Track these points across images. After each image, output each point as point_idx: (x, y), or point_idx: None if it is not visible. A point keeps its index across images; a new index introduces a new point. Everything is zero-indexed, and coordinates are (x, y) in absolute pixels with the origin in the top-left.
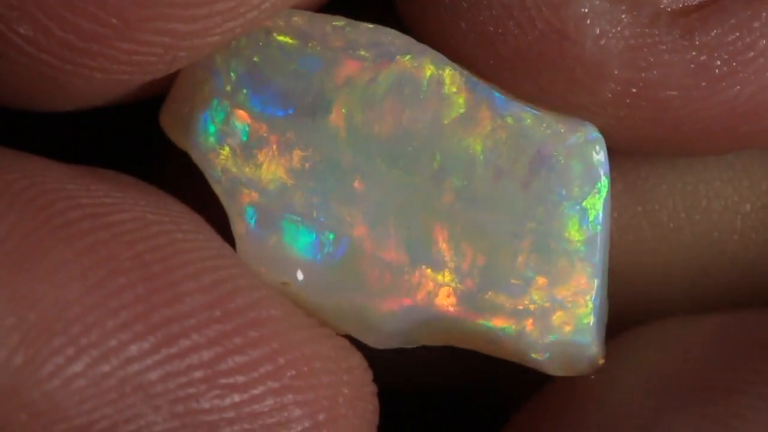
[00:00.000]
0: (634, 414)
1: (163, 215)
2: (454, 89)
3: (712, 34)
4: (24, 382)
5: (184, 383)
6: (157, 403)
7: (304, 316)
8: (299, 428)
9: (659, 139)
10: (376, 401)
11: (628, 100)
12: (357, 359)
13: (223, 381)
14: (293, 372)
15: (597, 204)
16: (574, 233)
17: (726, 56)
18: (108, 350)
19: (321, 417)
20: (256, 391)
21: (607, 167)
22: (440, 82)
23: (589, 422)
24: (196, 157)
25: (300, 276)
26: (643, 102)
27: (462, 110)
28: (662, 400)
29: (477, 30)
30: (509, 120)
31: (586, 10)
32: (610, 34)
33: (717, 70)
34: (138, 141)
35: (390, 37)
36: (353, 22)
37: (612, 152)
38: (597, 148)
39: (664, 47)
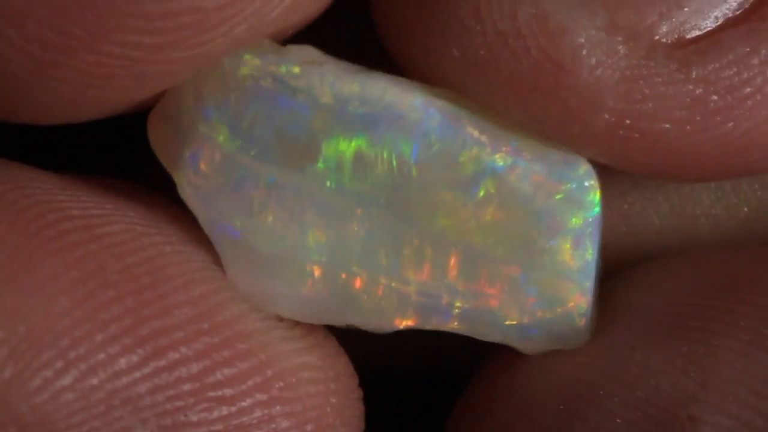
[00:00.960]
0: (612, 348)
1: (152, 227)
2: (444, 142)
3: (709, 68)
4: (13, 396)
5: (173, 396)
6: (145, 416)
7: (290, 327)
8: None
9: (649, 169)
10: (362, 407)
11: (621, 132)
12: (343, 366)
13: (212, 394)
14: (281, 383)
15: (588, 232)
16: (569, 260)
17: (722, 91)
18: (96, 363)
19: (309, 427)
20: (244, 404)
21: (599, 198)
22: (427, 135)
23: (564, 358)
24: (185, 195)
25: (290, 309)
26: (636, 134)
27: (452, 162)
28: (637, 336)
29: (469, 57)
30: (501, 173)
31: (583, 40)
32: (606, 65)
33: (712, 105)
34: (133, 138)
35: (380, 88)
36: (341, 72)
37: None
38: (590, 181)
39: (660, 79)
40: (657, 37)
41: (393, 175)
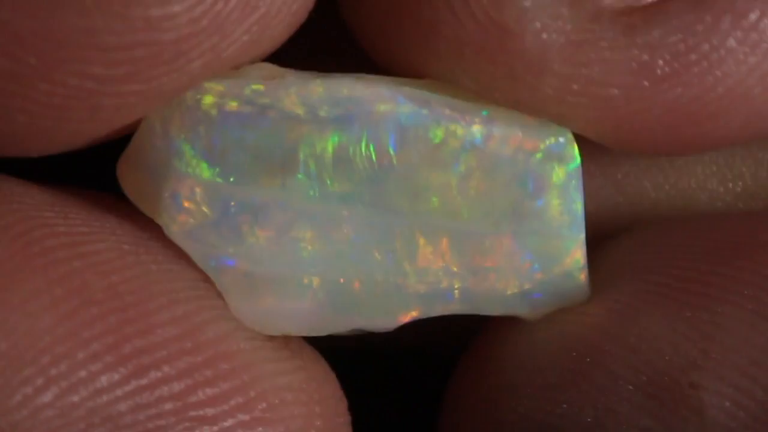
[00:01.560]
0: (615, 309)
1: (138, 245)
2: (419, 129)
3: (654, 33)
4: None
5: (154, 415)
6: None
7: (276, 348)
8: None
9: (601, 136)
10: (349, 430)
11: (568, 97)
12: (331, 389)
13: (193, 413)
14: (264, 404)
15: (573, 182)
16: (558, 215)
17: (668, 57)
18: (78, 381)
19: None
20: (226, 424)
21: (576, 151)
22: (402, 127)
23: (567, 317)
24: (173, 236)
25: (300, 327)
26: (583, 99)
27: (430, 148)
28: (639, 298)
29: (417, 26)
30: (479, 146)
31: (527, 4)
32: (551, 29)
33: (659, 71)
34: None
35: (345, 87)
36: (304, 80)
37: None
38: (567, 136)
39: (605, 44)
40: (603, 1)
41: (374, 169)
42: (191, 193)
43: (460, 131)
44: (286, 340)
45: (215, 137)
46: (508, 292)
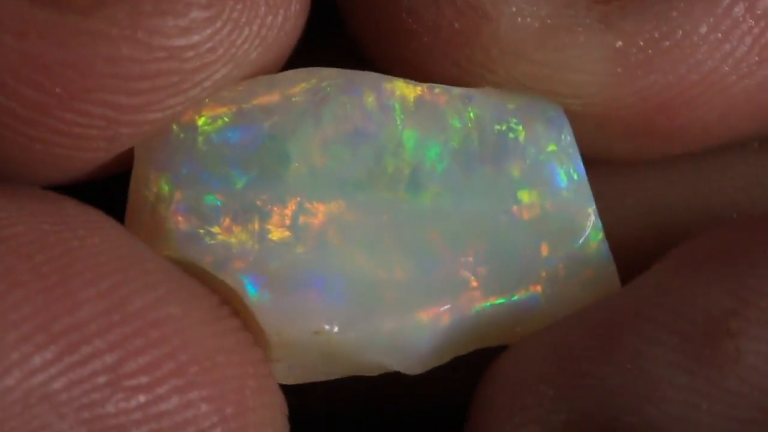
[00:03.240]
0: (648, 277)
1: (59, 224)
2: (400, 93)
3: (629, 19)
4: None
5: (89, 389)
6: (63, 411)
7: (206, 310)
8: (207, 424)
9: (575, 125)
10: (281, 394)
11: (543, 82)
12: (259, 354)
13: (127, 383)
14: (197, 368)
15: (570, 150)
16: (562, 184)
17: (642, 43)
18: (11, 364)
19: (228, 411)
20: (161, 390)
21: (567, 124)
22: (382, 98)
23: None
24: (189, 255)
25: (327, 323)
26: (557, 85)
27: (411, 111)
28: (675, 266)
29: (395, 11)
30: (465, 116)
31: None
32: (527, 13)
33: (633, 58)
34: None
35: (318, 76)
36: (274, 77)
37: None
38: (549, 109)
39: (580, 29)
40: None
41: (362, 141)
42: (195, 204)
43: (441, 97)
44: (220, 302)
45: (199, 151)
46: (531, 289)
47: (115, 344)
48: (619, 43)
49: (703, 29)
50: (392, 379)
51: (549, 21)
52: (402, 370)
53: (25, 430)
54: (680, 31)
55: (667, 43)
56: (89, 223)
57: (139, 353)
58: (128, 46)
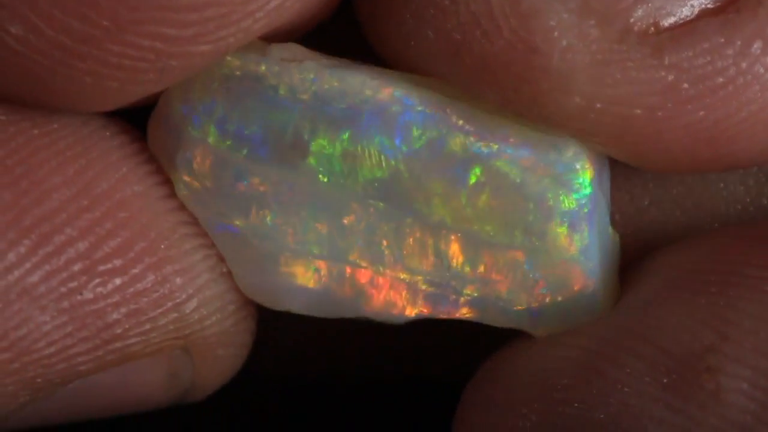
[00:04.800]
0: (629, 306)
1: (15, 113)
2: (429, 130)
3: (683, 55)
4: None
5: (66, 278)
6: (43, 303)
7: (162, 185)
8: (183, 296)
9: (621, 154)
10: None
11: (592, 115)
12: None
13: (102, 268)
14: (166, 242)
15: (583, 212)
16: (566, 243)
17: (694, 79)
18: None
19: (201, 280)
20: (135, 270)
21: (593, 176)
22: (411, 125)
23: None
24: (182, 197)
25: (300, 304)
26: (606, 118)
27: (438, 148)
28: (655, 293)
29: (443, 39)
30: (487, 160)
31: (554, 23)
32: (578, 48)
33: (684, 93)
34: None
35: (358, 82)
36: (321, 68)
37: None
38: (580, 161)
39: (631, 64)
40: (631, 21)
41: (382, 168)
42: (203, 159)
43: (470, 144)
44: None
45: (230, 109)
46: (516, 308)
47: (86, 230)
48: (671, 78)
49: (758, 69)
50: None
51: (600, 56)
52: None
53: (7, 326)
54: (734, 69)
55: (720, 80)
56: (46, 113)
57: (111, 236)
58: None
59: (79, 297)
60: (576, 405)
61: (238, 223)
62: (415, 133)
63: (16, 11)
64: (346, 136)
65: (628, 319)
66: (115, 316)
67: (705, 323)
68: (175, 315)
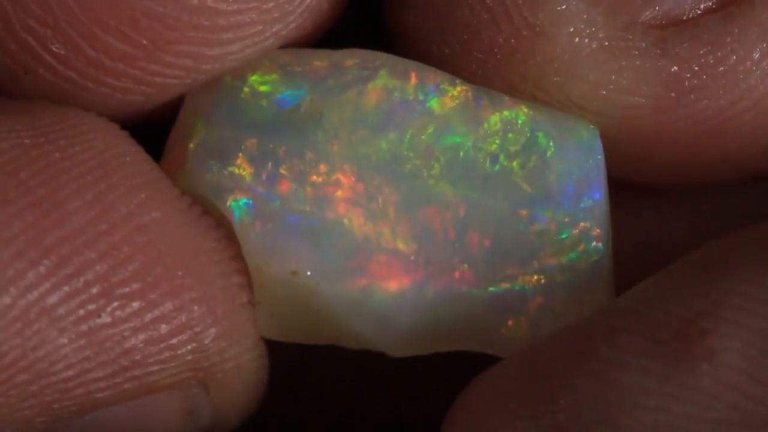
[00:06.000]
0: (623, 296)
1: (38, 136)
2: (445, 86)
3: (685, 45)
4: None
5: (84, 301)
6: (62, 325)
7: (184, 211)
8: (202, 326)
9: (624, 147)
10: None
11: (596, 103)
12: (238, 247)
13: (120, 291)
14: (184, 269)
15: (593, 176)
16: (575, 205)
17: (697, 68)
18: (6, 281)
19: (220, 310)
20: (153, 296)
21: (601, 147)
22: (425, 85)
23: None
24: (196, 183)
25: (307, 265)
26: (610, 106)
27: (449, 109)
28: (648, 276)
29: (454, 24)
30: (498, 112)
31: (563, 8)
32: (584, 34)
33: (687, 82)
34: None
35: (372, 56)
36: (334, 51)
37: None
38: (590, 128)
39: (636, 52)
40: (638, 15)
41: (402, 119)
42: (217, 141)
43: (484, 99)
44: (192, 203)
45: (241, 99)
46: (527, 278)
47: (105, 253)
48: (675, 68)
49: (757, 55)
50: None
51: (606, 43)
52: (382, 348)
53: (26, 347)
54: (734, 57)
55: (722, 69)
56: (67, 130)
57: (129, 260)
58: None
59: (97, 320)
60: (566, 389)
61: (247, 185)
62: (434, 91)
63: (59, 29)
64: (362, 96)
65: (619, 305)
66: (133, 341)
67: (696, 292)
68: (194, 345)
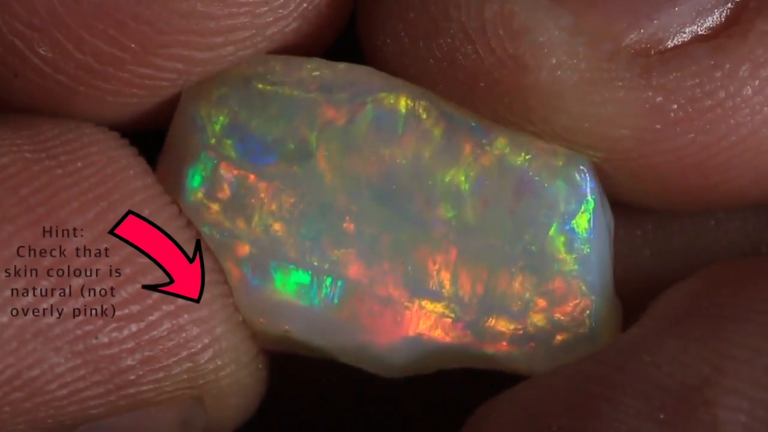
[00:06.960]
0: (623, 342)
1: (40, 151)
2: (431, 122)
3: (671, 76)
4: None
5: (82, 321)
6: (58, 344)
7: (183, 231)
8: (199, 346)
9: (609, 177)
10: None
11: (580, 135)
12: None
13: (119, 313)
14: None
15: (584, 222)
16: (565, 254)
17: (683, 101)
18: (4, 301)
19: (219, 330)
20: (152, 318)
21: (593, 185)
22: (416, 116)
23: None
24: (187, 210)
25: (300, 323)
26: (594, 138)
27: (441, 142)
28: (649, 330)
29: (436, 54)
30: (488, 148)
31: (544, 39)
32: (566, 66)
33: (672, 114)
34: None
35: (364, 75)
36: (327, 63)
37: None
38: (580, 168)
39: (620, 83)
40: (622, 43)
41: (384, 158)
42: (210, 167)
43: (474, 133)
44: (187, 223)
45: (237, 114)
46: (518, 332)
47: (106, 274)
48: (659, 99)
49: (747, 92)
50: None
51: (588, 74)
52: (380, 374)
53: (21, 366)
54: (723, 92)
55: (709, 103)
56: (68, 144)
57: (129, 281)
58: (203, 1)
59: (94, 341)
60: None
61: (238, 233)
62: (423, 124)
63: (46, 32)
64: (352, 125)
65: (622, 356)
66: (129, 362)
67: (700, 357)
68: (190, 365)
